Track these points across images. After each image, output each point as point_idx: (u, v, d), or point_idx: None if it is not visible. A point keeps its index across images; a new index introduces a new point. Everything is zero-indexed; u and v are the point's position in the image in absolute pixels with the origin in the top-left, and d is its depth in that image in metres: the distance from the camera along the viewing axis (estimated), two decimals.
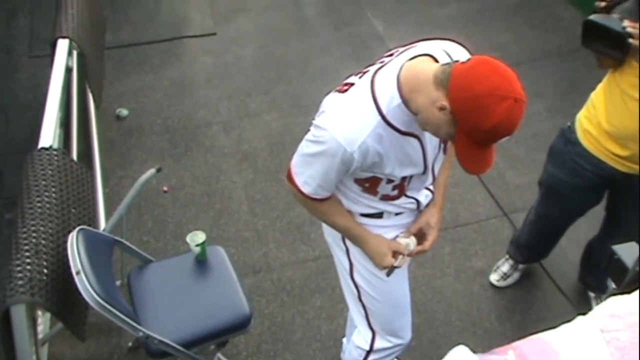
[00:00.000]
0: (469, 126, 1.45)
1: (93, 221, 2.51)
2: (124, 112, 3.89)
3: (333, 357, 2.69)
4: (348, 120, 1.60)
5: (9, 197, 3.16)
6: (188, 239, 2.39)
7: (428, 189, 1.93)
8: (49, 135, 2.50)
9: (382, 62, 1.67)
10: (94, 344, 2.71)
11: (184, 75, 4.26)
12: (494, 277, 3.01)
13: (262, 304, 2.90)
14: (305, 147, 1.72)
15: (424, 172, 1.78)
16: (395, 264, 1.91)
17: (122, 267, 2.65)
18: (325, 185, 1.75)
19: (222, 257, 2.45)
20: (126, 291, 2.37)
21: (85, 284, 1.91)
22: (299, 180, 1.76)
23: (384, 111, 1.58)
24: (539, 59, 4.40)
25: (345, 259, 2.03)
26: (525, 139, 3.74)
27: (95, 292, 1.91)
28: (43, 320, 2.54)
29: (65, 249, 2.02)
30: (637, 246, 1.36)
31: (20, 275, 1.90)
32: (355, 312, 2.16)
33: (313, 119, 1.69)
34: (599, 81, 2.32)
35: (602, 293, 2.65)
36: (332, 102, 1.66)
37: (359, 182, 1.80)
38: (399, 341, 2.17)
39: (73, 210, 2.30)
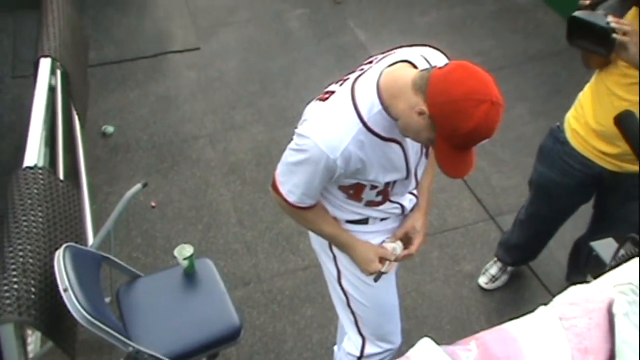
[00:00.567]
0: (448, 130, 1.47)
1: (81, 239, 2.51)
2: (110, 129, 3.89)
3: None
4: (330, 127, 1.62)
5: None
6: (176, 252, 2.39)
7: (412, 193, 1.95)
8: (33, 155, 2.51)
9: (362, 69, 1.70)
10: None
11: (168, 90, 4.27)
12: (482, 280, 3.03)
13: (253, 315, 2.91)
14: (289, 156, 1.73)
15: (407, 177, 1.80)
16: (383, 270, 1.93)
17: (112, 283, 2.65)
18: (310, 194, 1.76)
19: (211, 270, 2.46)
20: (116, 307, 2.37)
21: (73, 301, 1.91)
22: (283, 189, 1.78)
23: (365, 118, 1.60)
24: (521, 63, 4.45)
25: (333, 267, 2.04)
26: (510, 143, 3.78)
27: (83, 309, 1.92)
28: (34, 339, 2.53)
29: (53, 267, 2.02)
30: (615, 243, 1.38)
31: (8, 294, 1.90)
32: (344, 319, 2.17)
33: (296, 128, 1.71)
34: (581, 83, 2.35)
35: None
36: (314, 111, 1.68)
37: (344, 189, 1.82)
38: (389, 346, 2.18)
39: (60, 229, 2.30)
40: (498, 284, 3.02)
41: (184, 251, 2.39)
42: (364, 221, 1.93)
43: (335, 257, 2.02)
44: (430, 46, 1.75)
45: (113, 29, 4.83)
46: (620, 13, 1.94)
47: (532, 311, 0.99)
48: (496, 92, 1.45)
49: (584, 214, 2.67)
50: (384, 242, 1.96)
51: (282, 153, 1.78)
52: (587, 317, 0.83)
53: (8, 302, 1.88)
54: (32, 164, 2.44)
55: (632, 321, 0.81)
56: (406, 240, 1.97)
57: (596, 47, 1.94)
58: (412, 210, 1.99)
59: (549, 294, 3.00)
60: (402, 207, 1.93)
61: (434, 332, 2.84)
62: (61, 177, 2.73)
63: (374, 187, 1.79)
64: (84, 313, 1.92)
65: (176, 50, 4.64)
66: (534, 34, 4.72)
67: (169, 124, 4.01)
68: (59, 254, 2.02)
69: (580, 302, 0.86)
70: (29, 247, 2.06)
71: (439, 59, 1.69)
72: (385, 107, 1.59)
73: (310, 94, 1.72)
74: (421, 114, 1.49)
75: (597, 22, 1.88)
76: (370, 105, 1.60)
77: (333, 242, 1.96)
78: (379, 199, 1.85)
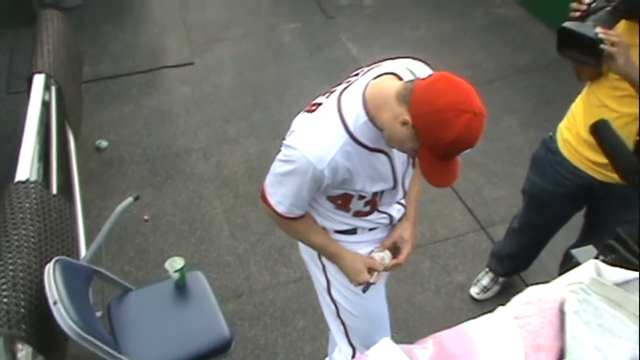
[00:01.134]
0: (431, 140, 1.50)
1: (72, 252, 2.53)
2: (104, 143, 3.93)
3: None
4: (317, 138, 1.65)
5: None
6: (167, 265, 2.41)
7: (400, 203, 1.98)
8: (26, 169, 2.53)
9: (348, 81, 1.73)
10: None
11: (162, 104, 4.31)
12: (474, 291, 3.05)
13: (245, 327, 2.92)
14: (277, 166, 1.75)
15: (394, 187, 1.83)
16: (371, 281, 1.94)
17: (103, 297, 2.66)
18: (298, 204, 1.79)
19: (202, 282, 2.48)
20: (108, 321, 2.38)
21: (63, 315, 1.93)
22: (272, 199, 1.80)
23: (351, 129, 1.63)
24: (510, 75, 4.49)
25: (322, 277, 2.06)
26: (499, 154, 3.81)
27: (73, 322, 1.93)
28: (24, 353, 2.53)
29: (43, 280, 2.04)
30: (594, 249, 1.41)
31: None
32: (335, 329, 2.18)
33: (284, 139, 1.74)
34: (569, 95, 2.39)
35: None
36: (301, 122, 1.71)
37: (332, 199, 1.84)
38: None
39: (51, 242, 2.32)
40: (489, 294, 3.03)
41: (175, 263, 2.41)
42: (352, 231, 1.95)
43: (324, 267, 2.04)
44: (414, 58, 1.78)
45: (109, 44, 4.89)
46: (610, 25, 1.97)
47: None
48: (478, 102, 1.48)
49: (574, 224, 2.69)
50: (372, 251, 1.98)
51: None
52: (540, 316, 0.87)
53: None
54: (24, 178, 2.46)
55: (582, 318, 0.84)
56: (394, 250, 2.00)
57: (585, 58, 1.96)
58: (400, 219, 2.01)
59: None
60: (390, 217, 1.96)
61: None
62: (54, 191, 2.75)
63: (361, 197, 1.82)
64: (74, 326, 1.93)
65: (170, 64, 4.69)
66: (523, 46, 4.77)
67: (162, 137, 4.04)
68: (49, 267, 2.03)
69: (534, 301, 0.89)
70: (19, 261, 2.08)
71: (423, 71, 1.72)
72: (371, 118, 1.62)
73: (302, 107, 1.75)
74: (404, 123, 1.52)
75: (586, 33, 1.90)
76: (355, 116, 1.63)
77: (321, 252, 1.98)
78: (367, 208, 1.87)
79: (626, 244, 1.27)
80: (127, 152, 3.91)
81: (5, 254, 2.08)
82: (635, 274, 0.93)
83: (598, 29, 1.89)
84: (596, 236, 2.57)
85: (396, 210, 1.97)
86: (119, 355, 2.07)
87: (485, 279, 3.05)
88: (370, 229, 1.97)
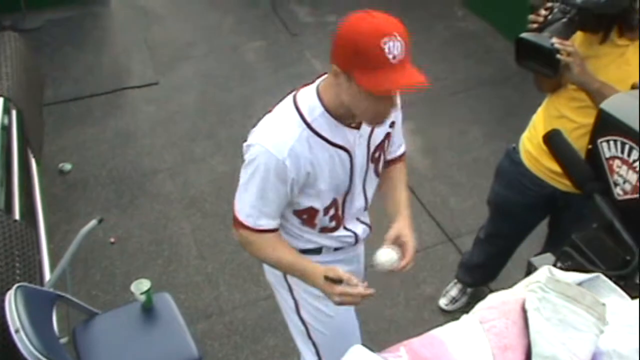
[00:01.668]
0: (351, 57, 1.49)
1: (35, 278, 2.48)
2: (67, 166, 3.87)
3: None
4: (275, 130, 1.67)
5: None
6: (132, 287, 2.38)
7: (365, 223, 1.98)
8: None
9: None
10: None
11: (127, 125, 4.27)
12: (443, 302, 3.07)
13: (215, 347, 2.89)
14: (241, 175, 1.74)
15: (349, 187, 1.81)
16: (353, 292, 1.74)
17: (69, 322, 2.61)
18: (266, 210, 1.73)
19: (169, 304, 2.45)
20: (73, 347, 2.34)
21: (25, 342, 1.89)
22: (241, 215, 1.76)
23: (308, 120, 1.65)
24: (474, 87, 4.56)
25: (290, 297, 2.03)
26: (465, 165, 3.86)
27: (36, 349, 1.89)
28: None
29: (4, 308, 2.00)
30: (552, 257, 1.43)
31: None
32: (305, 351, 2.13)
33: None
34: (532, 106, 2.42)
35: None
36: (259, 123, 1.73)
37: (298, 213, 1.83)
38: None
39: (12, 269, 2.27)
40: (458, 305, 3.05)
41: (141, 285, 2.39)
42: (317, 250, 1.94)
43: (290, 288, 2.01)
44: None
45: (70, 66, 4.83)
46: (566, 36, 2.01)
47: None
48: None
49: (540, 233, 2.73)
50: (380, 249, 1.81)
51: None
52: (504, 318, 0.89)
53: None
54: None
55: (542, 315, 0.87)
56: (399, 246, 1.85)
57: (543, 68, 2.00)
58: (365, 239, 2.01)
59: None
60: (356, 235, 1.96)
61: None
62: (16, 216, 2.70)
63: (326, 211, 1.81)
64: (37, 354, 1.89)
65: (134, 85, 4.66)
66: (485, 59, 4.85)
67: (128, 158, 4.00)
68: (10, 295, 1.99)
69: (497, 305, 0.92)
70: None
71: None
72: (327, 109, 1.65)
73: (296, 89, 1.75)
74: (336, 75, 1.55)
75: (542, 43, 1.94)
76: (310, 107, 1.66)
77: (291, 271, 1.91)
78: (333, 224, 1.87)
79: (580, 250, 1.30)
80: (92, 175, 3.86)
81: None
82: (586, 276, 0.96)
83: (554, 40, 1.94)
84: (560, 245, 2.61)
85: (362, 230, 1.97)
86: None
87: (454, 290, 3.07)
88: (336, 249, 1.96)
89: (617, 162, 1.27)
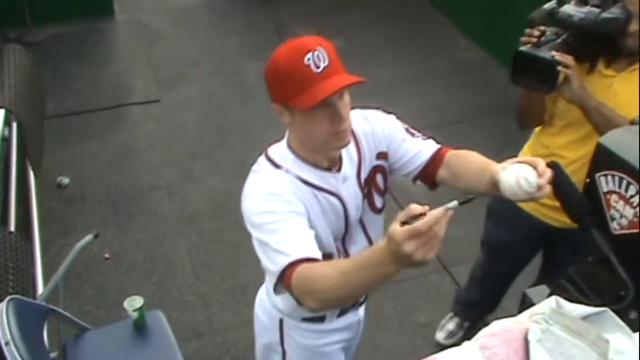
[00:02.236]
0: (280, 87, 1.48)
1: (28, 291, 2.46)
2: (65, 180, 3.87)
3: None
4: (255, 183, 1.56)
5: None
6: (125, 304, 2.37)
7: None
8: None
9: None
10: None
11: (127, 141, 4.28)
12: (440, 336, 3.02)
13: None
14: (255, 244, 1.53)
15: (346, 230, 1.71)
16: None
17: (60, 337, 2.59)
18: (295, 238, 1.46)
19: (161, 322, 2.43)
20: None
21: (15, 355, 1.87)
22: (277, 264, 1.44)
23: (284, 167, 1.58)
24: (474, 117, 4.59)
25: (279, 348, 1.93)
26: (461, 193, 3.85)
27: None
28: None
29: None
30: (547, 290, 1.43)
31: None
32: None
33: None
34: (530, 138, 2.41)
35: None
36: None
37: None
38: None
39: (5, 281, 2.26)
40: (455, 339, 3.02)
41: (134, 302, 2.37)
42: (321, 318, 1.85)
43: (284, 353, 1.93)
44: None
45: (73, 80, 4.86)
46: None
47: None
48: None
49: (534, 265, 2.72)
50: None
51: (239, 203, 1.60)
52: (506, 346, 0.89)
53: None
54: None
55: (544, 347, 0.87)
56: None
57: (540, 84, 1.95)
58: (363, 303, 1.94)
59: None
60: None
61: None
62: (12, 228, 2.69)
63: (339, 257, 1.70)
64: None
65: (136, 102, 4.68)
66: (485, 88, 4.89)
67: (126, 175, 4.00)
68: (2, 307, 1.98)
69: (500, 332, 0.92)
70: None
71: (377, 116, 1.73)
72: (298, 155, 1.59)
73: (268, 145, 1.73)
74: (281, 114, 1.51)
75: (542, 56, 1.90)
76: (283, 155, 1.60)
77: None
78: None
79: (576, 283, 1.30)
80: (90, 189, 3.86)
81: None
82: (592, 309, 0.96)
83: (554, 52, 1.90)
84: (554, 277, 2.60)
85: None
86: None
87: (451, 324, 3.04)
88: (339, 315, 1.88)
89: (614, 196, 1.27)
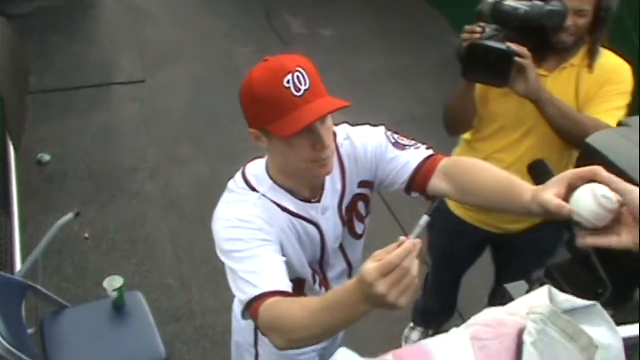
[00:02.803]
0: (256, 113, 1.39)
1: (6, 267, 2.45)
2: (46, 157, 3.83)
3: None
4: (231, 203, 1.50)
5: None
6: (105, 283, 2.36)
7: None
8: None
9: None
10: None
11: (110, 121, 4.25)
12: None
13: (183, 351, 2.86)
14: (227, 262, 1.49)
15: (322, 257, 1.65)
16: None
17: (37, 314, 2.57)
18: (265, 267, 1.40)
19: (141, 303, 2.43)
20: (40, 338, 2.30)
21: None
22: (245, 292, 1.40)
23: (259, 190, 1.50)
24: None
25: None
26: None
27: (3, 338, 1.86)
28: None
29: None
30: (526, 285, 1.45)
31: None
32: None
33: (237, 168, 1.59)
34: None
35: None
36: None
37: None
38: None
39: None
40: None
41: (114, 282, 2.36)
42: None
43: (257, 355, 1.89)
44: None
45: (57, 55, 4.80)
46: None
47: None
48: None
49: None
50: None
51: (223, 188, 1.59)
52: (498, 340, 0.89)
53: None
54: None
55: (537, 348, 0.88)
56: None
57: (493, 77, 1.88)
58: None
59: None
60: None
61: None
62: None
63: (313, 279, 1.66)
64: (3, 342, 1.86)
65: (121, 81, 4.64)
66: None
67: (108, 154, 3.97)
68: None
69: (494, 324, 0.91)
70: None
71: (357, 131, 1.62)
72: (275, 181, 1.51)
73: (248, 161, 1.66)
74: (257, 139, 1.43)
75: (498, 46, 1.83)
76: (259, 178, 1.52)
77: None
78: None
79: (555, 279, 1.32)
80: (71, 167, 3.82)
81: None
82: (583, 302, 0.97)
83: (508, 43, 1.84)
84: (507, 278, 2.58)
85: None
86: None
87: (415, 334, 3.01)
88: None
89: None
